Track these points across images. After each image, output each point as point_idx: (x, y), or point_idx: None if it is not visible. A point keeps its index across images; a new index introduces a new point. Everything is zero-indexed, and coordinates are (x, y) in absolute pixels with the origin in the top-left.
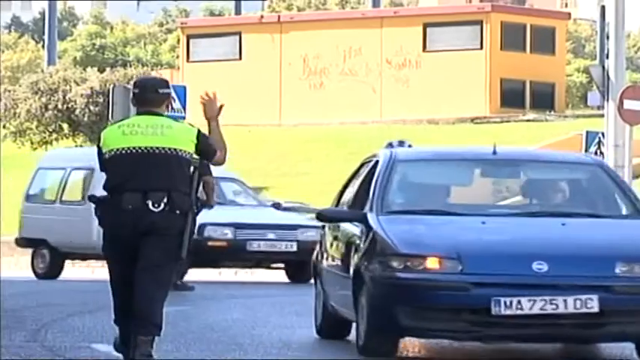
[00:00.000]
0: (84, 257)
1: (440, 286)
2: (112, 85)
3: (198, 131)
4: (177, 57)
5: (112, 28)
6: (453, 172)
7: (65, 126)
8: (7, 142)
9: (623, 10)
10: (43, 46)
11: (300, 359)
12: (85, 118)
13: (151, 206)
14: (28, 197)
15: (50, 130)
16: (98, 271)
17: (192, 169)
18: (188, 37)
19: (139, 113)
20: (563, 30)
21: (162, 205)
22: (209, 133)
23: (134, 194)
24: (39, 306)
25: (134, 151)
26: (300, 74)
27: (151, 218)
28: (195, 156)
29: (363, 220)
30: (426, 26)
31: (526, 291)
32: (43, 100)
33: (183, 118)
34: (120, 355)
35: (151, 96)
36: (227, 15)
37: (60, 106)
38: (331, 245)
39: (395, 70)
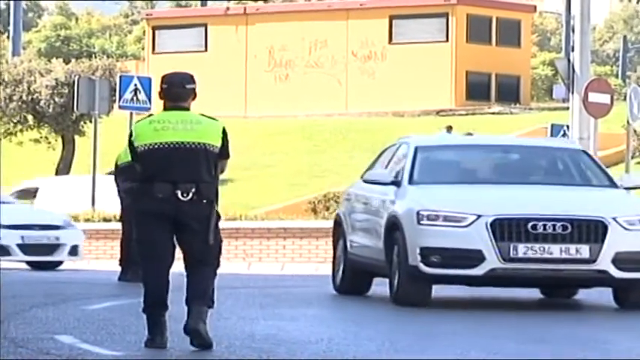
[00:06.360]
0: None
1: None
2: (77, 77)
3: (224, 128)
4: (143, 48)
5: (77, 19)
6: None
7: (30, 117)
8: None
9: (589, 3)
10: (7, 37)
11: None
12: (50, 110)
13: (180, 196)
14: None
15: (15, 121)
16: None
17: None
18: (154, 29)
19: (166, 108)
20: (528, 23)
21: (191, 195)
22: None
23: (165, 185)
24: (1, 298)
25: (165, 145)
26: (265, 66)
27: (179, 206)
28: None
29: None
30: (392, 18)
31: None
32: (8, 91)
33: (148, 109)
34: (88, 347)
35: (178, 91)
36: (193, 6)
37: (25, 98)
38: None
39: (360, 62)
